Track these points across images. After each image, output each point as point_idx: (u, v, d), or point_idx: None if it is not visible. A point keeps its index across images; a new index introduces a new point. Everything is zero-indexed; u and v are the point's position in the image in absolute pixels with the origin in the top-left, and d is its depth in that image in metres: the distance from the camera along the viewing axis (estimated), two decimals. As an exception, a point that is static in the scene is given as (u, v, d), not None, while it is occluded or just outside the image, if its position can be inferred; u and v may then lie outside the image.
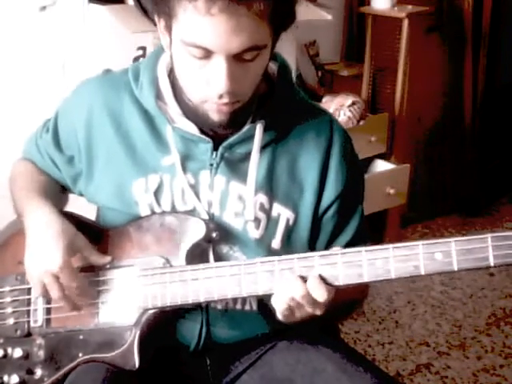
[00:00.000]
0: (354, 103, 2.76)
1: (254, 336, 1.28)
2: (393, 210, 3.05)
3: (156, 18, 1.15)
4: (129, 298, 1.18)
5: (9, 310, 1.25)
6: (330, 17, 2.51)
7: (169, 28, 1.10)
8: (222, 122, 1.15)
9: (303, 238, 1.25)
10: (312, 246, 1.26)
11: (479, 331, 2.65)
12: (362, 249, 1.06)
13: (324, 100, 2.81)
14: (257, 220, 1.21)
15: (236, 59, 1.07)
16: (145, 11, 2.16)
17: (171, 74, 1.21)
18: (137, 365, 1.16)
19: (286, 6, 1.10)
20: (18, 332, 1.24)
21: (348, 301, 1.25)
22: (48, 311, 1.24)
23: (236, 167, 1.22)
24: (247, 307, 1.26)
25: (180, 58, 1.11)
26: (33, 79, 2.23)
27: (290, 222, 1.24)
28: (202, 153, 1.21)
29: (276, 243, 1.23)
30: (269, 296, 1.11)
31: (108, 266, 1.21)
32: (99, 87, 1.27)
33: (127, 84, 1.25)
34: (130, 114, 1.24)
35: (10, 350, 1.24)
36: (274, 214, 1.23)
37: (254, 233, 1.21)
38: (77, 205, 1.35)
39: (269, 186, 1.22)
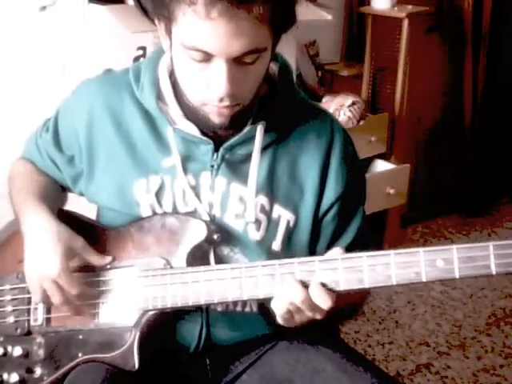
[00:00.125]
0: (353, 103, 2.76)
1: (253, 337, 1.28)
2: (393, 209, 3.05)
3: (156, 21, 1.14)
4: (129, 298, 1.18)
5: (9, 308, 1.25)
6: (330, 17, 2.51)
7: (169, 31, 1.10)
8: (223, 124, 1.14)
9: (304, 239, 1.25)
10: (312, 248, 1.26)
11: (479, 331, 2.65)
12: (363, 254, 1.06)
13: (324, 100, 2.81)
14: (257, 222, 1.21)
15: (236, 62, 1.06)
16: (145, 11, 2.15)
17: (172, 75, 1.21)
18: (136, 365, 1.16)
19: (285, 8, 1.09)
20: (18, 330, 1.24)
21: (348, 305, 1.25)
22: (48, 310, 1.24)
23: (237, 168, 1.22)
24: (247, 309, 1.26)
25: (180, 60, 1.11)
26: (33, 79, 2.23)
27: (291, 224, 1.24)
28: (202, 154, 1.21)
29: (276, 245, 1.23)
30: (269, 299, 1.11)
31: (108, 267, 1.21)
32: (100, 87, 1.27)
33: (128, 84, 1.25)
34: (130, 114, 1.24)
35: (9, 349, 1.24)
36: (274, 215, 1.23)
37: (255, 234, 1.21)
38: (77, 204, 1.35)
39: (269, 187, 1.22)
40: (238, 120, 1.15)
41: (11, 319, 1.25)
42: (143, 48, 2.24)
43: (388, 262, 1.05)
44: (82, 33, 2.23)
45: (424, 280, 1.03)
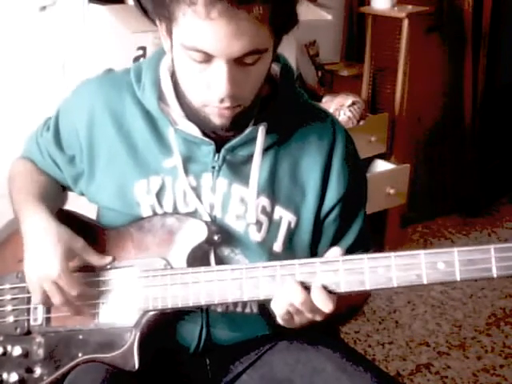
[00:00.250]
0: (353, 103, 2.76)
1: (253, 337, 1.28)
2: (393, 209, 3.05)
3: (157, 22, 1.14)
4: (129, 299, 1.18)
5: (9, 307, 1.25)
6: (330, 17, 2.51)
7: (169, 32, 1.10)
8: (224, 125, 1.14)
9: (305, 241, 1.25)
10: (314, 250, 1.26)
11: (479, 331, 2.65)
12: (364, 256, 1.06)
13: (324, 100, 2.81)
14: (258, 223, 1.21)
15: (237, 63, 1.06)
16: (145, 11, 2.15)
17: (173, 75, 1.21)
18: (136, 366, 1.16)
19: (286, 8, 1.09)
20: (18, 330, 1.24)
21: (348, 307, 1.25)
22: (48, 310, 1.23)
23: (238, 170, 1.21)
24: (247, 310, 1.26)
25: (181, 61, 1.11)
26: (33, 79, 2.23)
27: (292, 225, 1.23)
28: (204, 155, 1.21)
29: (278, 246, 1.23)
30: (270, 300, 1.10)
31: (108, 267, 1.21)
32: (100, 87, 1.27)
33: (129, 84, 1.25)
34: (131, 114, 1.24)
35: (9, 348, 1.24)
36: (275, 216, 1.22)
37: (256, 236, 1.21)
38: (77, 204, 1.35)
39: (271, 188, 1.22)
40: (239, 121, 1.15)
41: (11, 319, 1.25)
42: (143, 48, 2.24)
43: (389, 264, 1.04)
44: (81, 33, 2.23)
45: (425, 282, 1.03)
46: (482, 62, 3.44)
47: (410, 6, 2.91)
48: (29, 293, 1.24)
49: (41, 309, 1.24)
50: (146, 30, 2.13)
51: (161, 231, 1.20)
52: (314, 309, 1.06)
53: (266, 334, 1.28)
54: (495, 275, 1.00)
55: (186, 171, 1.21)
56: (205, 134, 1.20)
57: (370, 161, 2.94)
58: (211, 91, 1.09)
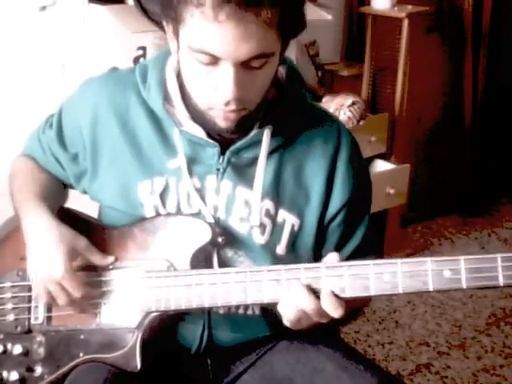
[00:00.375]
0: (353, 103, 2.76)
1: (254, 338, 1.28)
2: (393, 209, 3.04)
3: (164, 23, 1.14)
4: (132, 299, 1.18)
5: (9, 305, 1.25)
6: (330, 17, 2.51)
7: (176, 33, 1.10)
8: (229, 128, 1.14)
9: (308, 244, 1.25)
10: (318, 253, 1.25)
11: (479, 331, 2.65)
12: (370, 262, 1.06)
13: (324, 100, 2.81)
14: (262, 225, 1.21)
15: (243, 66, 1.06)
16: (145, 11, 2.16)
17: (179, 76, 1.20)
18: (139, 367, 1.15)
19: (294, 13, 1.09)
20: (18, 328, 1.24)
21: (352, 309, 1.25)
22: (49, 309, 1.23)
23: (243, 172, 1.21)
24: (249, 311, 1.25)
25: (187, 63, 1.10)
26: (33, 79, 2.23)
27: (295, 228, 1.23)
28: (208, 157, 1.21)
29: (281, 249, 1.23)
30: (273, 304, 1.11)
31: (111, 267, 1.21)
32: (105, 85, 1.27)
33: (134, 84, 1.24)
34: (136, 114, 1.23)
35: (9, 346, 1.24)
36: (279, 219, 1.22)
37: (259, 238, 1.21)
38: (79, 202, 1.35)
39: (275, 191, 1.22)
40: (244, 124, 1.15)
41: (11, 317, 1.24)
42: (143, 48, 2.24)
43: (395, 271, 1.05)
44: (81, 33, 2.24)
45: (431, 290, 1.04)
46: (482, 62, 3.44)
47: (410, 6, 2.91)
48: (29, 291, 1.24)
49: (42, 307, 1.24)
50: (146, 30, 2.13)
51: (164, 232, 1.20)
52: (323, 313, 1.07)
53: (266, 335, 1.28)
54: (502, 284, 1.02)
55: (191, 173, 1.20)
56: (210, 135, 1.20)
57: (370, 161, 2.94)
58: (217, 94, 1.09)
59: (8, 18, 2.16)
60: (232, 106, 1.09)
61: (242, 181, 1.21)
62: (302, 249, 1.25)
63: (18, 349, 1.23)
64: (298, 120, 1.24)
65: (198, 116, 1.18)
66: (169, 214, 1.21)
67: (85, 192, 1.32)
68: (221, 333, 1.25)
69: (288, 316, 1.09)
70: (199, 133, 1.20)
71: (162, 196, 1.22)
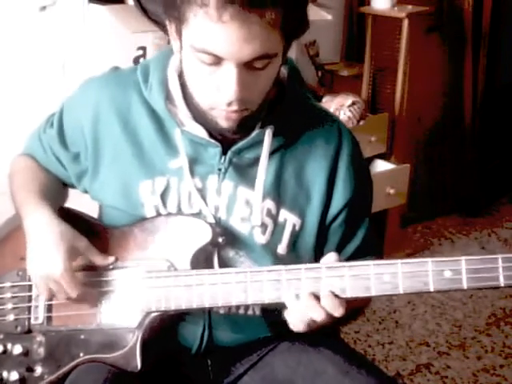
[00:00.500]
0: (354, 103, 2.76)
1: (255, 339, 1.28)
2: (393, 210, 3.04)
3: (167, 22, 1.14)
4: (132, 299, 1.18)
5: (9, 305, 1.25)
6: (330, 17, 2.51)
7: (179, 33, 1.10)
8: (231, 128, 1.14)
9: (309, 243, 1.25)
10: (318, 253, 1.25)
11: (479, 331, 2.65)
12: (371, 262, 1.06)
13: (324, 100, 2.81)
14: (263, 225, 1.21)
15: (246, 67, 1.06)
16: (145, 11, 2.16)
17: (181, 76, 1.20)
18: (139, 367, 1.15)
19: (297, 14, 1.09)
20: (18, 328, 1.24)
21: (353, 308, 1.25)
22: (49, 309, 1.23)
23: (244, 172, 1.21)
24: (250, 312, 1.25)
25: (190, 63, 1.10)
26: (33, 79, 2.23)
27: (297, 228, 1.23)
28: (210, 157, 1.21)
29: (282, 248, 1.23)
30: (274, 304, 1.11)
31: (111, 267, 1.21)
32: (106, 84, 1.27)
33: (136, 83, 1.24)
34: (138, 113, 1.23)
35: (9, 346, 1.24)
36: (280, 219, 1.22)
37: (260, 238, 1.21)
38: (79, 202, 1.35)
39: (276, 191, 1.22)
40: (245, 124, 1.15)
41: (11, 317, 1.24)
42: (143, 48, 2.24)
43: (395, 272, 1.05)
44: (82, 33, 2.24)
45: (431, 290, 1.04)
46: (482, 62, 3.44)
47: (410, 6, 2.91)
48: (30, 291, 1.24)
49: (42, 308, 1.24)
50: (146, 30, 2.13)
51: (164, 232, 1.20)
52: (327, 315, 1.07)
53: (267, 335, 1.28)
54: (502, 284, 1.01)
55: (192, 173, 1.20)
56: (211, 135, 1.20)
57: (370, 161, 2.94)
58: (219, 94, 1.09)
59: (8, 18, 2.16)
60: (234, 107, 1.09)
61: (243, 181, 1.21)
62: (303, 249, 1.25)
63: (18, 349, 1.23)
64: (300, 120, 1.24)
65: (199, 116, 1.18)
66: (169, 214, 1.21)
67: (85, 191, 1.32)
68: (221, 333, 1.25)
69: (297, 324, 1.10)
70: (201, 133, 1.20)
71: (163, 196, 1.22)
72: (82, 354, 1.19)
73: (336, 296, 1.06)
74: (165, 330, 1.21)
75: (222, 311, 1.23)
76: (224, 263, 1.20)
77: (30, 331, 1.24)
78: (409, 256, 2.97)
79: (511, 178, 3.83)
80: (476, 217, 3.55)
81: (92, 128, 1.25)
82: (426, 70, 3.21)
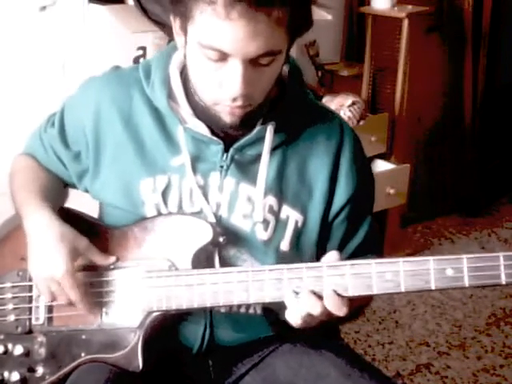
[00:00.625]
0: (354, 103, 2.76)
1: (257, 339, 1.28)
2: (393, 209, 3.04)
3: (172, 18, 1.14)
4: (133, 299, 1.18)
5: (10, 306, 1.24)
6: (330, 17, 2.51)
7: (184, 29, 1.10)
8: (234, 124, 1.14)
9: (312, 239, 1.25)
10: (322, 250, 1.25)
11: (479, 331, 2.65)
12: (372, 261, 1.06)
13: (324, 100, 2.81)
14: (265, 222, 1.21)
15: (252, 63, 1.07)
16: (145, 11, 2.16)
17: (183, 73, 1.21)
18: (140, 366, 1.15)
19: (303, 12, 1.11)
20: (19, 329, 1.23)
21: (355, 308, 1.25)
22: (50, 310, 1.23)
23: (246, 169, 1.22)
24: (251, 311, 1.25)
25: (195, 59, 1.11)
26: (33, 79, 2.23)
27: (299, 224, 1.23)
28: (212, 154, 1.21)
29: (285, 245, 1.23)
30: (275, 303, 1.11)
31: (112, 267, 1.21)
32: (108, 83, 1.27)
33: (138, 81, 1.25)
34: (139, 111, 1.24)
35: (10, 347, 1.23)
36: (282, 216, 1.22)
37: (263, 234, 1.21)
38: (80, 202, 1.35)
39: (278, 188, 1.22)
40: (248, 120, 1.15)
41: (12, 317, 1.24)
42: (143, 48, 2.24)
43: (397, 270, 1.05)
44: (81, 33, 2.24)
45: (433, 288, 1.04)
46: (482, 62, 3.44)
47: (410, 6, 2.91)
48: (30, 291, 1.24)
49: (43, 308, 1.23)
50: (146, 30, 2.14)
51: (165, 232, 1.20)
52: (329, 314, 1.07)
53: (269, 335, 1.28)
54: (504, 282, 1.02)
55: (194, 170, 1.21)
56: (213, 133, 1.20)
57: (370, 161, 2.94)
58: (224, 90, 1.09)
59: (8, 18, 2.16)
60: (239, 102, 1.10)
61: (245, 177, 1.21)
62: (306, 245, 1.25)
63: (19, 349, 1.23)
64: (301, 117, 1.25)
65: (201, 113, 1.19)
66: (170, 214, 1.21)
67: (86, 191, 1.31)
68: (222, 332, 1.25)
69: (297, 322, 1.09)
70: (203, 130, 1.20)
71: (164, 194, 1.22)
72: (83, 354, 1.19)
73: (339, 295, 1.06)
74: (166, 329, 1.20)
75: (223, 310, 1.23)
76: (225, 262, 1.20)
77: (30, 332, 1.23)
78: (409, 256, 2.96)
79: (511, 178, 3.83)
80: (476, 217, 3.55)
81: (93, 126, 1.25)
82: (426, 70, 3.21)
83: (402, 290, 1.05)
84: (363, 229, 1.29)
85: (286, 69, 1.24)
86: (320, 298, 1.07)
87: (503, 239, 3.37)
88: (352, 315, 1.18)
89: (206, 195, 1.21)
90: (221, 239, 1.18)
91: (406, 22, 2.85)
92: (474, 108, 3.46)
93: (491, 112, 3.59)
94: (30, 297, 1.24)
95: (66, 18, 2.23)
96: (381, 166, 2.94)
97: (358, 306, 1.24)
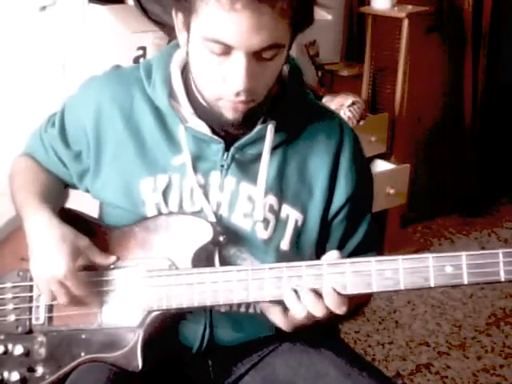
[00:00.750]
0: (353, 103, 2.76)
1: (256, 338, 1.28)
2: (393, 209, 3.04)
3: (174, 15, 1.14)
4: (133, 298, 1.18)
5: (10, 306, 1.25)
6: (330, 17, 2.51)
7: (187, 24, 1.10)
8: (236, 120, 1.14)
9: (312, 238, 1.25)
10: (322, 249, 1.25)
11: (479, 331, 2.65)
12: (372, 259, 1.06)
13: (324, 100, 2.81)
14: (266, 221, 1.21)
15: (255, 57, 1.07)
16: (145, 11, 2.16)
17: (184, 72, 1.21)
18: (140, 366, 1.15)
19: (306, 6, 1.11)
20: (19, 329, 1.23)
21: (355, 305, 1.25)
22: (50, 309, 1.23)
23: (246, 168, 1.22)
24: (251, 310, 1.25)
25: (198, 54, 1.11)
26: (33, 79, 2.23)
27: (299, 224, 1.24)
28: (213, 153, 1.21)
29: (285, 244, 1.23)
30: (275, 302, 1.11)
31: (112, 266, 1.21)
32: (108, 82, 1.27)
33: (139, 80, 1.25)
34: (140, 110, 1.24)
35: (10, 347, 1.23)
36: (282, 215, 1.23)
37: (263, 233, 1.21)
38: (80, 202, 1.35)
39: (278, 187, 1.22)
40: (250, 117, 1.15)
41: (12, 317, 1.24)
42: (143, 48, 2.24)
43: (396, 268, 1.05)
44: (82, 33, 2.24)
45: (432, 285, 1.04)
46: (482, 62, 3.44)
47: (410, 6, 2.91)
48: (30, 291, 1.24)
49: (43, 308, 1.23)
50: (146, 30, 2.14)
51: (165, 231, 1.20)
52: (328, 312, 1.07)
53: (269, 335, 1.28)
54: (503, 279, 1.01)
55: (195, 169, 1.21)
56: (214, 132, 1.20)
57: (370, 161, 2.94)
58: (227, 84, 1.09)
59: (8, 18, 2.16)
60: (242, 97, 1.10)
61: (245, 177, 1.21)
62: (306, 244, 1.25)
63: (19, 349, 1.23)
64: (301, 116, 1.25)
65: (202, 112, 1.19)
66: (170, 213, 1.22)
67: (87, 190, 1.31)
68: (222, 332, 1.25)
69: (298, 322, 1.10)
70: (204, 129, 1.20)
71: (165, 193, 1.22)
72: (83, 354, 1.19)
73: (338, 293, 1.06)
74: (166, 329, 1.20)
75: (223, 310, 1.23)
76: (225, 261, 1.20)
77: (31, 331, 1.23)
78: (409, 256, 2.96)
79: (511, 178, 3.83)
80: (476, 217, 3.55)
81: (94, 126, 1.25)
82: (426, 70, 3.21)
83: (402, 287, 1.05)
84: (362, 228, 1.30)
85: (286, 68, 1.24)
86: (319, 296, 1.07)
87: (503, 239, 3.37)
88: (351, 313, 1.18)
89: (206, 194, 1.21)
90: (221, 238, 1.18)
91: (405, 22, 2.85)
92: (474, 108, 3.46)
93: (491, 112, 3.59)
94: (31, 297, 1.24)
95: (66, 18, 2.23)
96: (381, 166, 2.94)
97: (358, 304, 1.24)
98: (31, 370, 1.21)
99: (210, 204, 1.21)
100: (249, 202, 1.21)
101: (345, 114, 2.73)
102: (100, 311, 1.20)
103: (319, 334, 1.25)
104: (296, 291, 1.08)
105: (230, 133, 1.20)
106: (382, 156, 2.96)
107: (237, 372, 1.29)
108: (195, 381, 1.28)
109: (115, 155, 1.24)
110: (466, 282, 1.02)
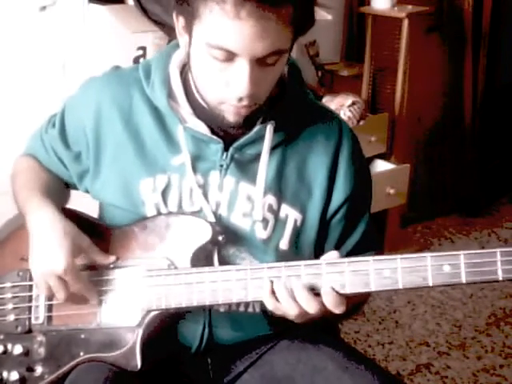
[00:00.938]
0: (354, 103, 2.76)
1: (255, 337, 1.28)
2: (393, 209, 3.05)
3: (174, 17, 1.14)
4: (132, 298, 1.18)
5: (9, 306, 1.25)
6: (330, 17, 2.51)
7: (189, 28, 1.10)
8: (237, 123, 1.15)
9: (311, 238, 1.26)
10: (320, 249, 1.26)
11: (479, 331, 2.65)
12: (370, 258, 1.07)
13: (324, 100, 2.81)
14: (265, 220, 1.21)
15: (258, 63, 1.07)
16: (145, 11, 2.16)
17: (183, 72, 1.22)
18: (139, 366, 1.15)
19: (308, 10, 1.11)
20: (19, 328, 1.23)
21: (353, 304, 1.25)
22: (49, 309, 1.23)
23: (246, 168, 1.22)
24: (250, 309, 1.26)
25: (200, 59, 1.11)
26: (33, 79, 2.23)
27: (298, 223, 1.24)
28: (212, 153, 1.21)
29: (284, 244, 1.23)
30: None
31: (112, 266, 1.21)
32: (108, 83, 1.27)
33: (138, 81, 1.25)
34: (140, 111, 1.24)
35: (9, 346, 1.23)
36: (281, 214, 1.23)
37: (262, 233, 1.21)
38: (80, 202, 1.35)
39: (277, 187, 1.23)
40: (250, 119, 1.16)
41: (11, 317, 1.24)
42: (143, 48, 2.24)
43: (395, 267, 1.05)
44: (82, 33, 2.24)
45: (430, 285, 1.04)
46: (482, 62, 3.44)
47: (410, 6, 2.91)
48: (30, 291, 1.24)
49: (42, 307, 1.23)
50: (146, 30, 2.14)
51: (165, 231, 1.20)
52: (326, 311, 1.07)
53: (267, 333, 1.28)
54: (501, 278, 1.01)
55: (194, 169, 1.21)
56: (213, 132, 1.21)
57: (370, 161, 2.94)
58: (230, 89, 1.10)
59: (8, 18, 2.16)
60: (245, 102, 1.10)
61: (244, 176, 1.22)
62: (305, 243, 1.25)
63: (18, 349, 1.23)
64: (300, 116, 1.25)
65: (201, 112, 1.19)
66: (170, 213, 1.22)
67: (87, 191, 1.32)
68: (221, 331, 1.25)
69: (295, 319, 1.10)
70: (203, 129, 1.20)
71: (164, 194, 1.22)
72: (82, 354, 1.19)
73: (337, 293, 1.06)
74: (165, 328, 1.21)
75: (222, 309, 1.23)
76: (225, 260, 1.20)
77: (30, 331, 1.23)
78: (409, 256, 2.96)
79: (511, 178, 3.83)
80: (476, 217, 3.55)
81: (94, 127, 1.25)
82: (426, 70, 3.21)
83: (400, 286, 1.05)
84: (361, 227, 1.30)
85: (285, 68, 1.24)
86: (318, 295, 1.07)
87: (503, 239, 3.37)
88: (350, 313, 1.18)
89: (205, 194, 1.21)
90: (220, 238, 1.19)
91: (405, 22, 2.85)
92: (474, 108, 3.46)
93: (491, 112, 3.59)
94: (30, 296, 1.24)
95: (66, 18, 2.23)
96: (381, 166, 2.94)
97: (356, 303, 1.24)
98: (30, 369, 1.21)
99: (210, 204, 1.21)
100: (248, 202, 1.21)
101: (345, 114, 2.73)
102: (99, 311, 1.20)
103: (317, 330, 1.25)
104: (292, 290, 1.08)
105: (229, 133, 1.20)
106: (381, 156, 2.96)
107: (236, 370, 1.29)
108: (194, 380, 1.28)
109: (115, 156, 1.24)
110: (464, 281, 1.03)
